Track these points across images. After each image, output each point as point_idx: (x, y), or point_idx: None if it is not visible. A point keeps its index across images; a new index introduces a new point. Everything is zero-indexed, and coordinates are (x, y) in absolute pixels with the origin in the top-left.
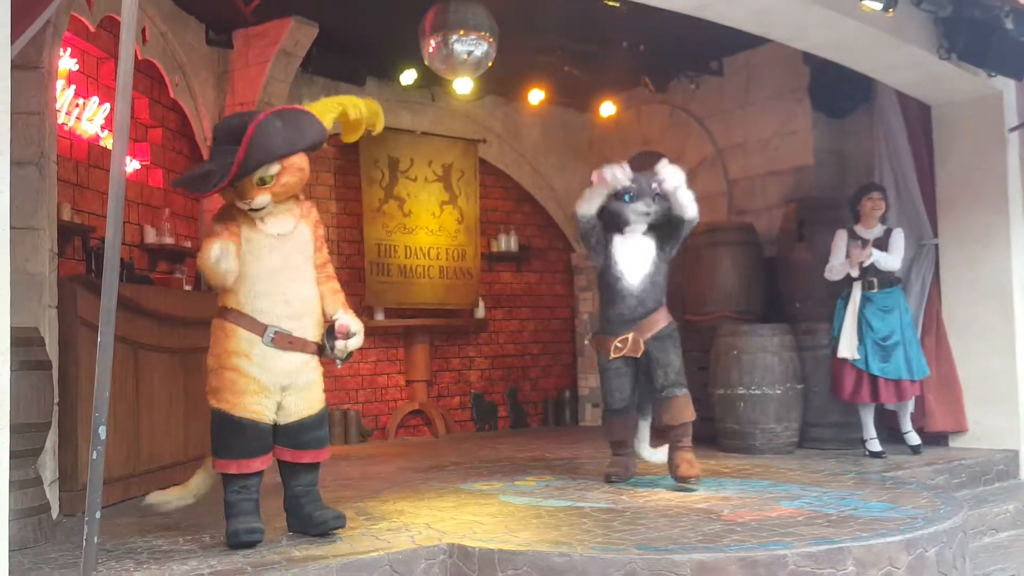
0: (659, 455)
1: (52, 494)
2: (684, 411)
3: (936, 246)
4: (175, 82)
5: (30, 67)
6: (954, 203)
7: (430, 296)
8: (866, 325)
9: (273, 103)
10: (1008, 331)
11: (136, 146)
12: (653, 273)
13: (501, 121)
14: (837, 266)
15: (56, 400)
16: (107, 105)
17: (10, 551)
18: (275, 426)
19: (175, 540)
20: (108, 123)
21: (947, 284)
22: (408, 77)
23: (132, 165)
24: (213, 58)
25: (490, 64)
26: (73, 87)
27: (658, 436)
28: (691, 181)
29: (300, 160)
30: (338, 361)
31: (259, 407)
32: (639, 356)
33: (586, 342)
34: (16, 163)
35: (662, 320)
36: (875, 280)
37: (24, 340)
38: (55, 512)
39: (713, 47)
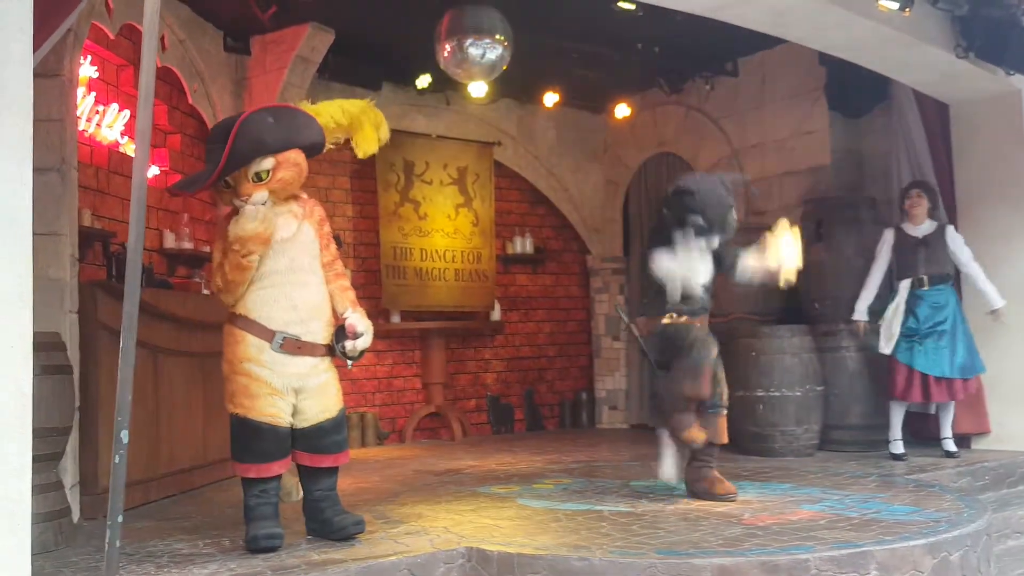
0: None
1: (73, 498)
2: (724, 431)
3: None
4: (193, 89)
5: (51, 75)
6: (973, 202)
7: (446, 299)
8: (914, 320)
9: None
10: None
11: (155, 152)
12: (711, 281)
13: (516, 124)
14: (873, 271)
15: (77, 404)
16: (127, 112)
17: (32, 555)
18: (294, 430)
19: (195, 544)
20: (127, 130)
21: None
22: (423, 81)
23: (152, 171)
24: (231, 64)
25: (505, 67)
26: (93, 94)
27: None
28: None
29: (296, 156)
30: (348, 362)
31: (274, 409)
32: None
33: (623, 320)
34: (38, 169)
35: (706, 323)
36: (925, 277)
37: (46, 345)
38: (76, 516)
39: (728, 48)
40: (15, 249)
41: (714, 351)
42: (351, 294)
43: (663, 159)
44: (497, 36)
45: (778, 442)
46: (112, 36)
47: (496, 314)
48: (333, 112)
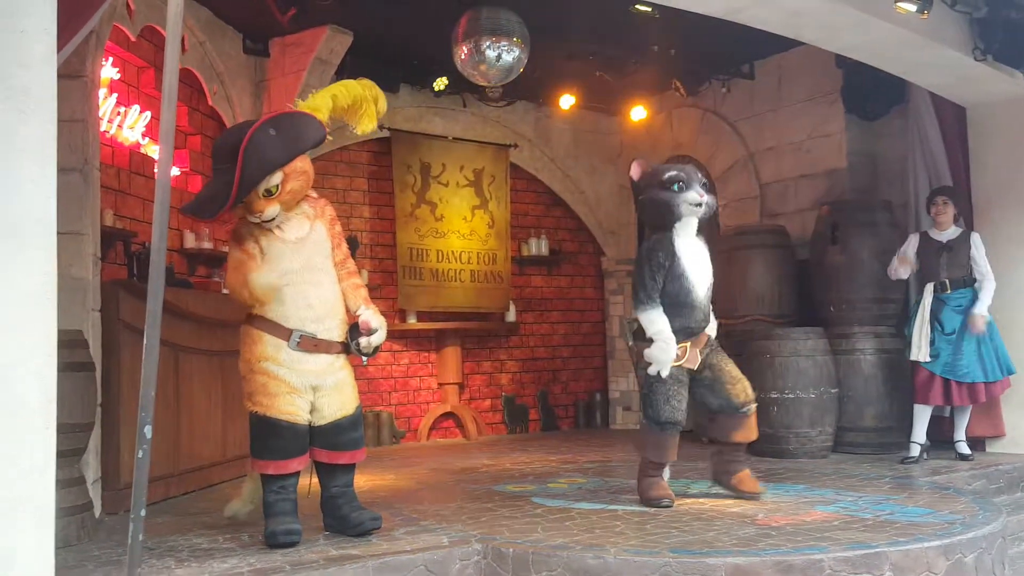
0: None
1: (95, 493)
2: (755, 428)
3: None
4: (213, 91)
5: (74, 76)
6: (990, 205)
7: (462, 300)
8: (939, 326)
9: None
10: None
11: (175, 153)
12: (712, 283)
13: (532, 126)
14: (894, 262)
15: (99, 401)
16: (148, 113)
17: (55, 548)
18: (312, 427)
19: (215, 539)
20: (149, 131)
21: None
22: (440, 83)
23: (172, 172)
24: (250, 66)
25: (521, 70)
26: (115, 96)
27: (721, 456)
28: (723, 185)
29: (302, 163)
30: (364, 359)
31: (292, 408)
32: (695, 368)
33: (630, 344)
34: (61, 170)
35: (712, 330)
36: (947, 282)
37: (68, 343)
38: (97, 511)
39: (744, 50)
40: (40, 248)
41: (682, 393)
42: (364, 291)
43: (680, 160)
44: (514, 38)
45: (792, 444)
46: (133, 38)
47: (511, 315)
48: (337, 96)
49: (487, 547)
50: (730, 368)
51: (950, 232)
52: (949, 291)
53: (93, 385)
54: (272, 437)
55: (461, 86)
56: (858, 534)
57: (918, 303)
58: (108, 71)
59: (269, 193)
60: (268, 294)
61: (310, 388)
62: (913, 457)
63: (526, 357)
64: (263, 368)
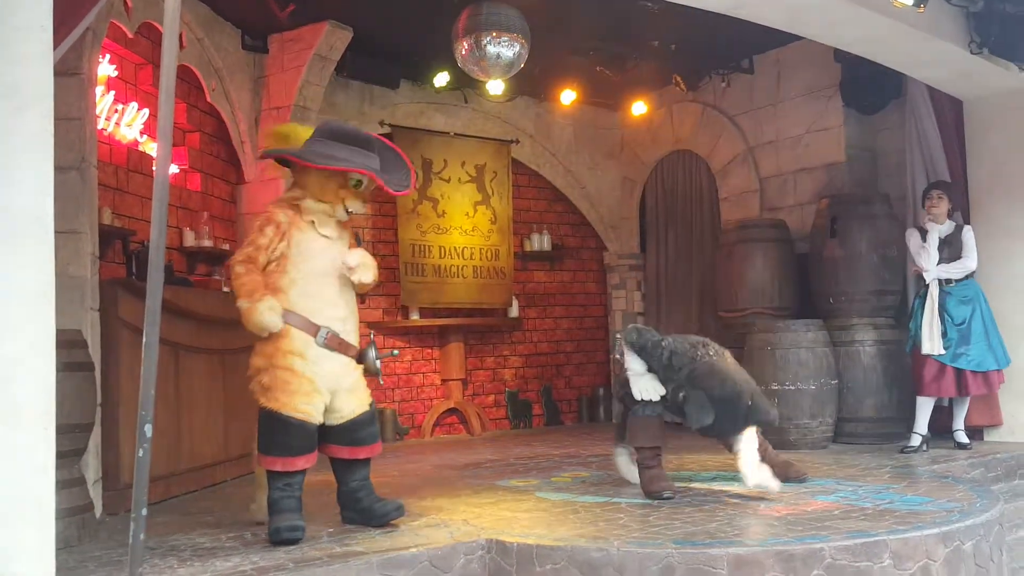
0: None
1: (95, 493)
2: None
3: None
4: (212, 87)
5: (71, 73)
6: (987, 198)
7: (464, 296)
8: (948, 317)
9: (308, 107)
10: None
11: (174, 150)
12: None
13: (533, 121)
14: (920, 260)
15: (99, 401)
16: (146, 110)
17: (55, 549)
18: (328, 427)
19: (217, 537)
20: (147, 128)
21: (980, 278)
22: (441, 79)
23: (171, 169)
24: (249, 63)
25: (522, 65)
26: (112, 93)
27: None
28: (723, 179)
29: None
30: (380, 377)
31: (309, 407)
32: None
33: (617, 357)
34: (58, 168)
35: None
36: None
37: (67, 342)
38: (98, 511)
39: (744, 45)
40: (37, 247)
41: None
42: None
43: (680, 156)
44: (515, 34)
45: (793, 435)
46: (131, 35)
47: (514, 311)
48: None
49: (491, 542)
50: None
51: (946, 227)
52: (953, 283)
53: (92, 385)
54: (282, 434)
55: (462, 82)
56: (858, 523)
57: (920, 297)
58: (105, 68)
59: (360, 184)
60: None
61: (329, 390)
62: (913, 447)
63: (529, 352)
64: (287, 363)
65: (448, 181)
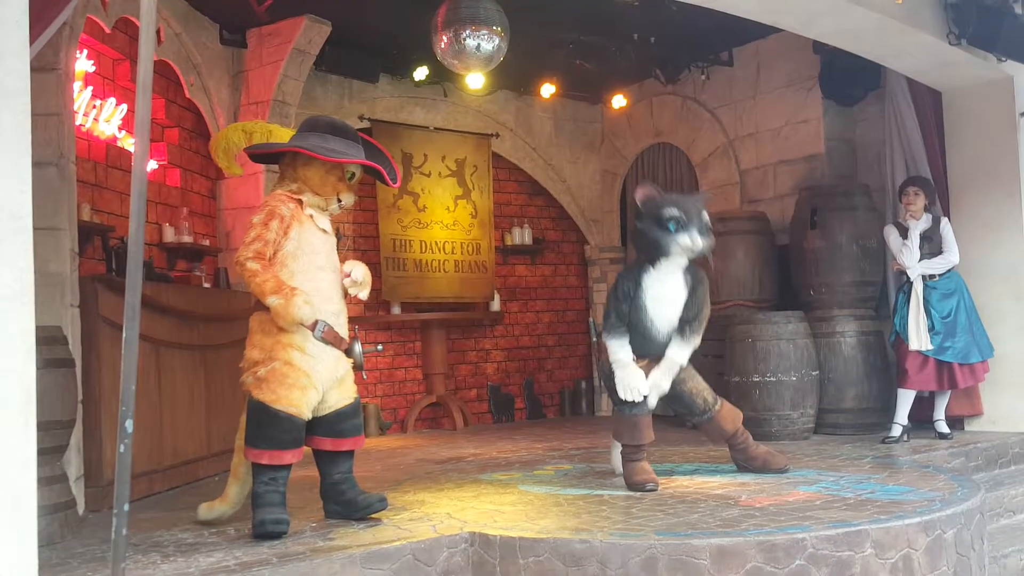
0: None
1: (77, 490)
2: (735, 413)
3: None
4: (190, 82)
5: (48, 69)
6: (966, 188)
7: (446, 290)
8: (932, 311)
9: (288, 101)
10: (1021, 315)
11: (153, 146)
12: (679, 319)
13: (513, 115)
14: (902, 258)
15: (80, 398)
16: (124, 106)
17: (38, 547)
18: (314, 418)
19: (200, 533)
20: (125, 124)
21: (961, 269)
22: (420, 73)
23: (150, 165)
24: (227, 57)
25: (501, 59)
26: (90, 88)
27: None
28: (703, 172)
29: None
30: (363, 372)
31: (302, 402)
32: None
33: (594, 340)
34: (36, 164)
35: (683, 356)
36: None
37: (47, 339)
38: (81, 508)
39: (723, 37)
40: (15, 244)
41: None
42: None
43: (660, 149)
44: (494, 27)
45: (774, 426)
46: (108, 30)
47: (496, 304)
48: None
49: (474, 535)
50: (690, 386)
51: (923, 221)
52: (937, 277)
53: (73, 381)
54: (270, 427)
55: (442, 76)
56: (840, 513)
57: (903, 292)
58: (83, 64)
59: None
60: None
61: (323, 387)
62: (894, 437)
63: (511, 346)
64: (287, 357)
65: (428, 175)
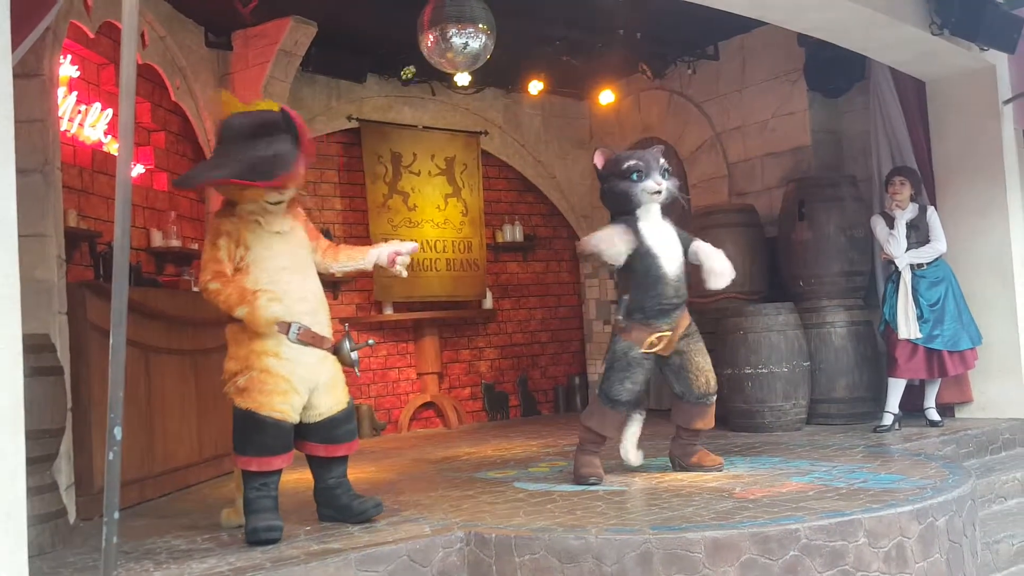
0: (639, 458)
1: (68, 499)
2: (713, 417)
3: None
4: (176, 85)
5: (31, 75)
6: (951, 177)
7: (438, 289)
8: (921, 300)
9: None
10: (1009, 302)
11: (139, 150)
12: (683, 263)
13: (501, 113)
14: (889, 247)
15: (69, 406)
16: (109, 111)
17: (28, 557)
18: (306, 425)
19: (193, 540)
20: (111, 129)
21: (948, 257)
22: (408, 72)
23: (136, 169)
24: (213, 60)
25: (488, 57)
26: (75, 94)
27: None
28: (691, 165)
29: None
30: (356, 369)
31: (286, 407)
32: (668, 355)
33: (617, 319)
34: (21, 171)
35: (687, 316)
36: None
37: (35, 347)
38: (72, 517)
39: (708, 31)
40: (1, 251)
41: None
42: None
43: (648, 144)
44: (480, 25)
45: (767, 418)
46: (92, 35)
47: (488, 302)
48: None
49: (470, 534)
50: (699, 359)
51: (910, 210)
52: (925, 266)
53: (62, 389)
54: (257, 433)
55: (429, 74)
56: (833, 503)
57: (892, 281)
58: (67, 69)
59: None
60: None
61: (307, 388)
62: (885, 426)
63: (504, 344)
64: (263, 364)
65: (418, 174)
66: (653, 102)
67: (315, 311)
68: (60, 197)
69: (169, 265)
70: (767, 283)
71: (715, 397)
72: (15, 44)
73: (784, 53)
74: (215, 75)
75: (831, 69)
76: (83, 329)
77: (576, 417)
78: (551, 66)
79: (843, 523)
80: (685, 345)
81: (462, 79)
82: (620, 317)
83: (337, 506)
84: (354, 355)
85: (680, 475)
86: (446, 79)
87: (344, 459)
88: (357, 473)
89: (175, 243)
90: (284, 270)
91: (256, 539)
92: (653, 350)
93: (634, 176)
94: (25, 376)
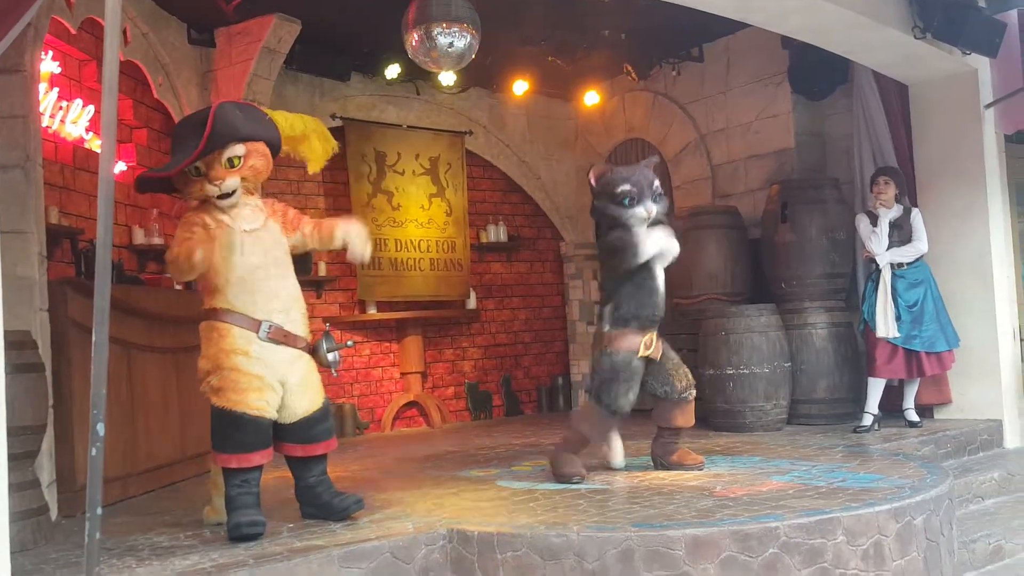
0: (623, 460)
1: (50, 496)
2: (693, 413)
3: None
4: (158, 82)
5: (12, 70)
6: (933, 180)
7: (422, 288)
8: (899, 299)
9: (258, 101)
10: (988, 304)
11: (121, 148)
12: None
13: (486, 113)
14: (871, 245)
15: (51, 403)
16: (91, 107)
17: (10, 553)
18: (282, 426)
19: (176, 536)
20: (92, 125)
21: (928, 260)
22: (392, 71)
23: (118, 166)
24: (196, 57)
25: (473, 56)
26: (56, 90)
27: (661, 437)
28: (675, 167)
29: (263, 147)
30: (334, 370)
31: (262, 403)
32: (657, 358)
33: (605, 330)
34: (2, 167)
35: None
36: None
37: (16, 343)
38: (54, 513)
39: (693, 33)
40: None
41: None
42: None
43: (633, 145)
44: (465, 24)
45: (748, 418)
46: (73, 31)
47: (472, 302)
48: (280, 121)
49: (452, 531)
50: (674, 356)
51: (895, 210)
52: (905, 266)
53: (44, 386)
54: (235, 431)
55: (414, 73)
56: (812, 501)
57: (872, 281)
58: (48, 65)
59: (231, 164)
60: (223, 265)
61: (279, 383)
62: (865, 426)
63: (488, 344)
64: (233, 363)
65: (402, 174)
66: (638, 103)
67: (288, 309)
68: (41, 194)
69: (151, 262)
70: (749, 284)
71: (694, 392)
72: None
73: (768, 56)
74: (198, 72)
75: (815, 72)
76: (64, 326)
77: (559, 417)
78: (536, 66)
79: (822, 521)
80: (664, 347)
81: (447, 78)
82: (608, 327)
83: (319, 504)
84: (331, 356)
85: (661, 474)
86: (431, 78)
87: (323, 458)
88: (340, 471)
89: (157, 240)
90: (257, 267)
91: (239, 535)
92: (647, 353)
93: (625, 202)
94: (6, 373)
